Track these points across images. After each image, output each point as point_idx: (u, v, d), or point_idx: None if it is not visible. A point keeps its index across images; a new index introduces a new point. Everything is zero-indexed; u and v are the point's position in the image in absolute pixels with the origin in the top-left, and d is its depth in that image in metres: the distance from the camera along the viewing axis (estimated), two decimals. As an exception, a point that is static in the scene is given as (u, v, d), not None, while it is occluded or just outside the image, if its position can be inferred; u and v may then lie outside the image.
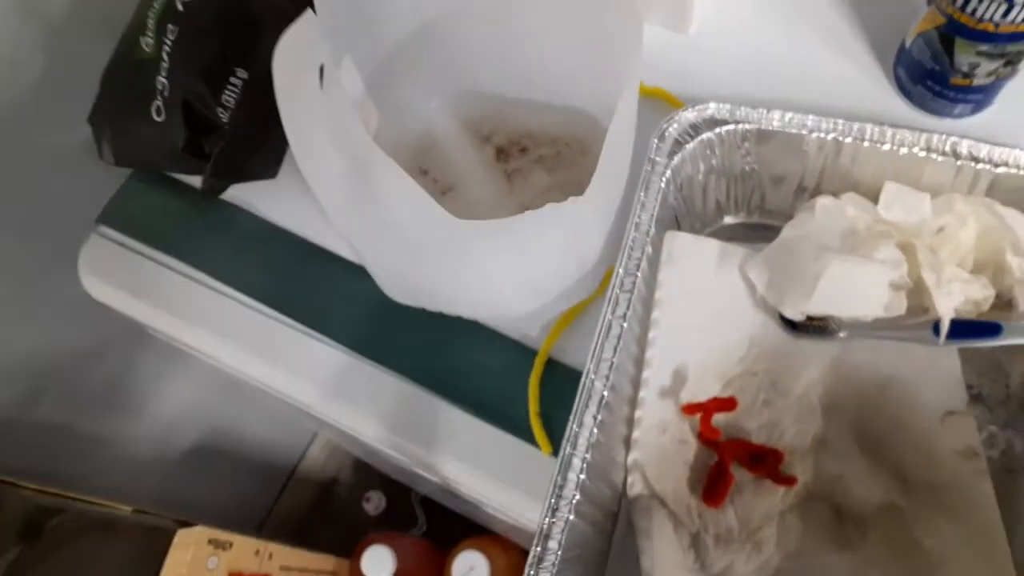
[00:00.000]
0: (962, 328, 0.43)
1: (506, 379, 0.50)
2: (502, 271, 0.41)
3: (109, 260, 0.56)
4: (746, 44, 0.57)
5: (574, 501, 0.40)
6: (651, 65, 0.54)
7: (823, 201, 0.47)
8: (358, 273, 0.50)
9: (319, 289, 0.53)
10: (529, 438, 0.48)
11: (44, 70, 0.58)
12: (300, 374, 0.52)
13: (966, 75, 0.49)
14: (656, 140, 0.47)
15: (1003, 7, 0.44)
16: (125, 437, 0.80)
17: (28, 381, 0.68)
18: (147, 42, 0.49)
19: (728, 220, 0.52)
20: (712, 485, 0.45)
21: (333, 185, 0.40)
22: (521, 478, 0.48)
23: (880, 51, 0.56)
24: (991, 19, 0.45)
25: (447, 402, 0.50)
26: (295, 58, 0.36)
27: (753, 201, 0.51)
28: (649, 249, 0.45)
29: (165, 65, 0.48)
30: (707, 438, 0.45)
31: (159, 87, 0.48)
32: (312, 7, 0.39)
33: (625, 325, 0.43)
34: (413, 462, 0.52)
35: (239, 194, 0.56)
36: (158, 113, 0.49)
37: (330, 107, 0.38)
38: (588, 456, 0.40)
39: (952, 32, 0.47)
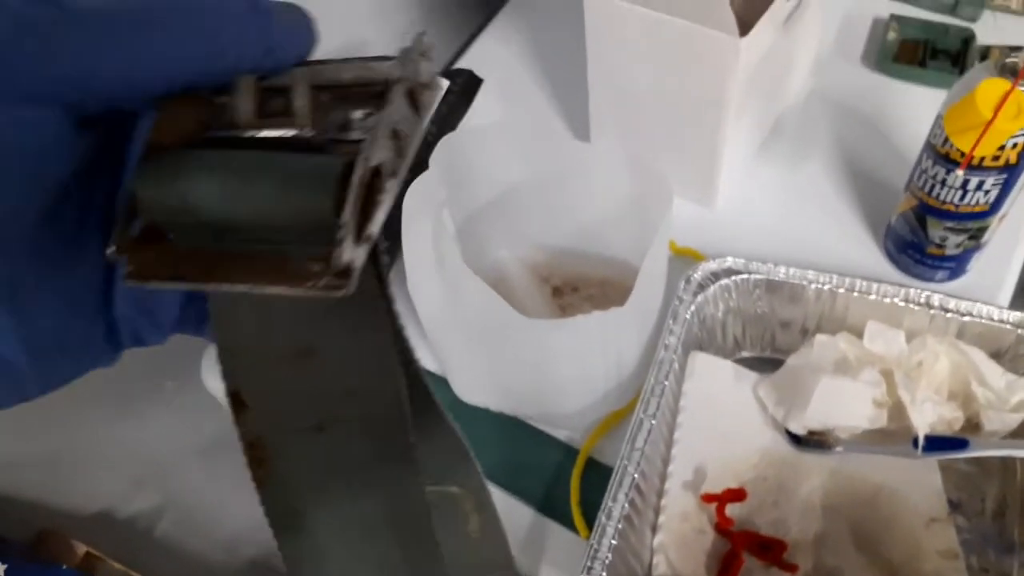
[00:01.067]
0: (937, 442, 0.52)
1: (554, 473, 0.59)
2: (553, 365, 0.52)
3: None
4: (761, 220, 0.70)
5: (605, 564, 0.48)
6: (683, 232, 0.68)
7: (820, 338, 0.57)
8: (440, 381, 0.61)
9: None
10: (570, 524, 0.57)
11: None
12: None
13: (939, 246, 0.61)
14: (683, 283, 0.59)
15: (959, 192, 0.56)
16: (195, 536, 0.89)
17: (133, 470, 0.78)
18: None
19: (744, 354, 0.63)
20: (725, 569, 0.52)
21: (431, 300, 0.52)
22: (560, 558, 0.56)
23: (873, 228, 0.68)
24: (951, 201, 0.57)
25: (505, 493, 0.59)
26: (417, 202, 0.50)
27: (765, 339, 0.62)
28: (676, 366, 0.56)
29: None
30: (722, 527, 0.53)
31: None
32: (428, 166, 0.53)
33: (655, 423, 0.53)
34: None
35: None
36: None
37: (437, 240, 0.51)
38: (620, 525, 0.49)
39: (924, 212, 0.59)
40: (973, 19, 0.78)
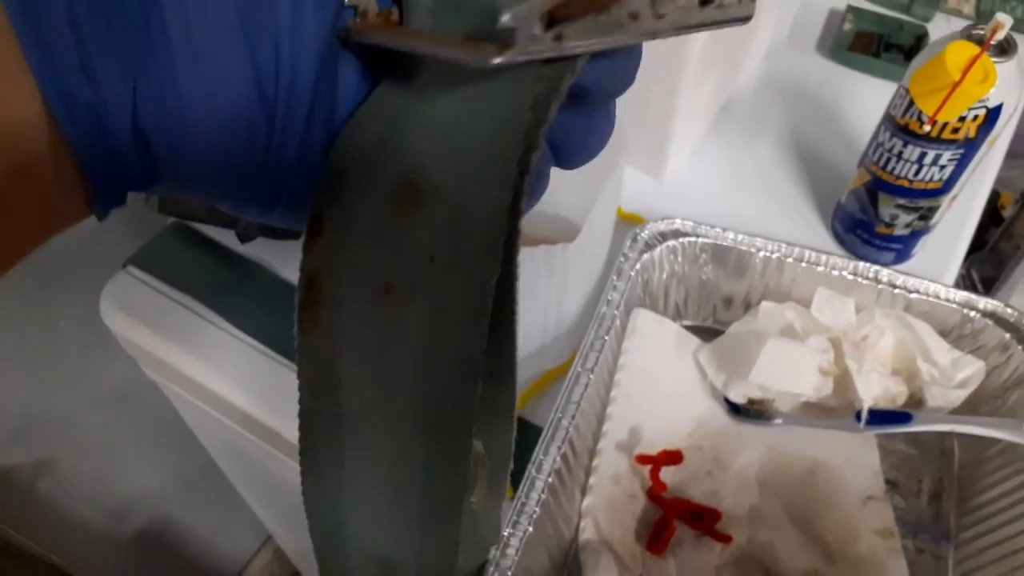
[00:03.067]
0: (879, 416, 0.50)
1: (479, 432, 0.55)
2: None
3: (133, 297, 0.62)
4: (709, 196, 0.68)
5: (527, 532, 0.44)
6: (631, 199, 0.65)
7: (766, 305, 0.55)
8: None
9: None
10: (494, 486, 0.53)
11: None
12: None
13: (888, 224, 0.59)
14: (630, 240, 0.56)
15: (914, 167, 0.55)
16: (80, 499, 0.81)
17: (13, 420, 0.71)
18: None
19: (686, 323, 0.60)
20: (656, 535, 0.49)
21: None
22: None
23: (820, 210, 0.67)
24: (906, 176, 0.56)
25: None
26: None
27: (707, 309, 0.59)
28: (618, 323, 0.53)
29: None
30: (655, 492, 0.50)
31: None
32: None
33: (592, 377, 0.49)
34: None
35: (260, 253, 0.63)
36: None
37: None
38: (550, 479, 0.45)
39: (876, 187, 0.58)
40: (926, 19, 0.79)
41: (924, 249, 0.62)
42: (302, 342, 0.23)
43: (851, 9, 0.78)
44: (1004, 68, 0.50)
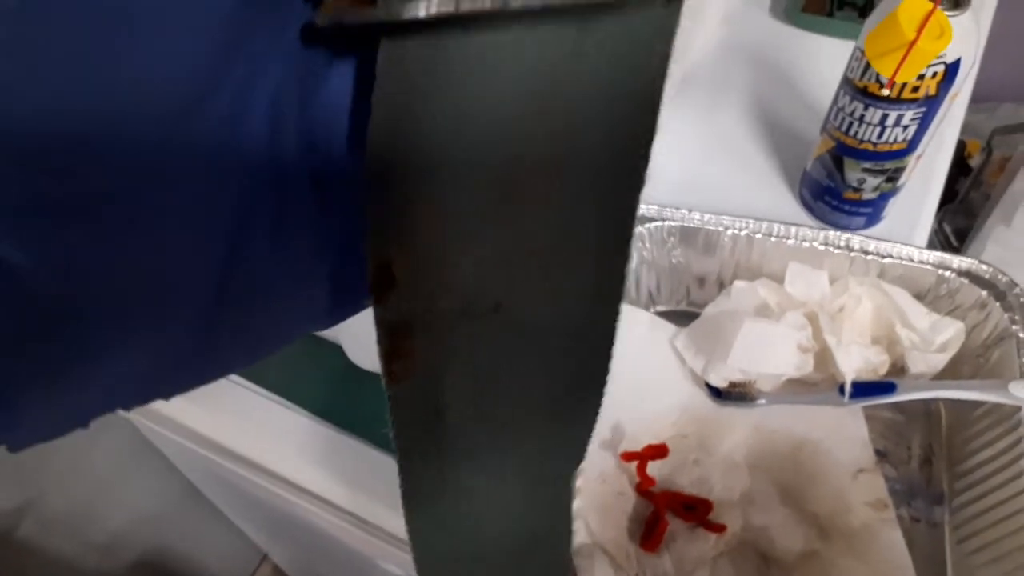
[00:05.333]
0: (863, 388, 0.49)
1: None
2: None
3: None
4: (673, 171, 0.67)
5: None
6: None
7: (739, 284, 0.54)
8: (326, 344, 0.55)
9: (289, 357, 0.58)
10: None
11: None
12: (270, 439, 0.56)
13: (856, 189, 0.58)
14: (596, 230, 0.55)
15: (877, 130, 0.54)
16: (66, 537, 0.80)
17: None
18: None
19: (660, 308, 0.59)
20: (649, 532, 0.48)
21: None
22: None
23: (788, 177, 0.66)
24: (869, 139, 0.54)
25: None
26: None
27: (680, 292, 0.58)
28: (590, 318, 0.52)
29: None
30: (643, 487, 0.49)
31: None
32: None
33: (568, 377, 0.48)
34: (377, 536, 0.55)
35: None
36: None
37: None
38: (534, 488, 0.44)
39: (841, 153, 0.57)
40: (878, -29, 0.77)
41: (894, 210, 0.62)
42: (395, 392, 0.21)
43: (801, -32, 0.77)
44: (959, 21, 0.48)
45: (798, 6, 0.74)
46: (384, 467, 0.53)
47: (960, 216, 0.91)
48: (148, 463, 0.80)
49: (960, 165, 0.96)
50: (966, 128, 1.02)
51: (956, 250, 0.93)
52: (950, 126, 0.68)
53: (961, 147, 0.97)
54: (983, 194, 0.89)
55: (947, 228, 0.92)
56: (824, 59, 0.71)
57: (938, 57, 0.48)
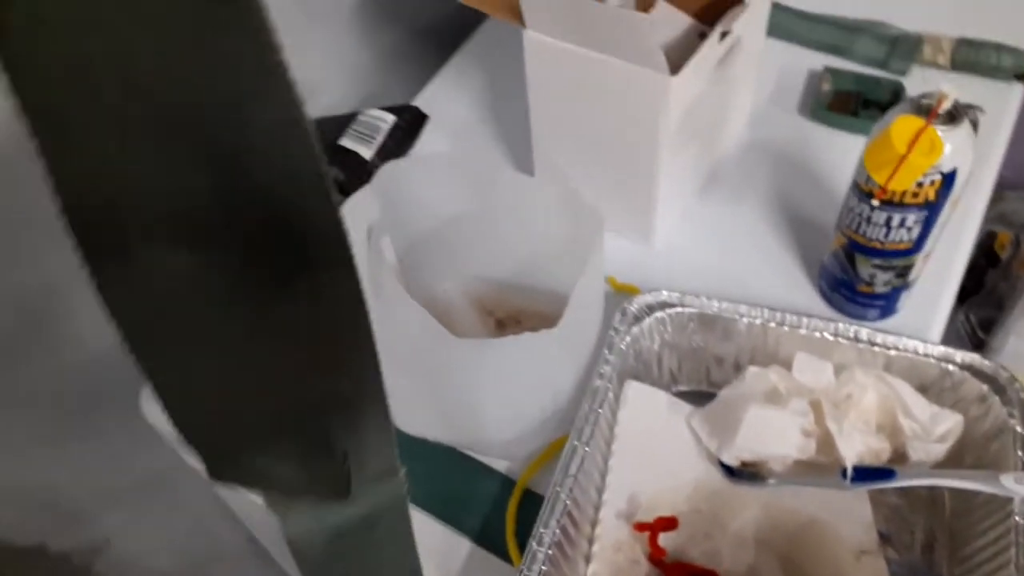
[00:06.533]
0: (864, 473, 0.53)
1: (492, 505, 0.58)
2: (488, 388, 0.52)
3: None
4: (700, 260, 0.71)
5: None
6: (624, 269, 0.69)
7: (752, 369, 0.58)
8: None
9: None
10: (507, 557, 0.56)
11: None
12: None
13: (868, 283, 0.62)
14: (619, 314, 0.60)
15: (883, 230, 0.58)
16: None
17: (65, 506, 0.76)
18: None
19: (681, 388, 0.63)
20: (658, 599, 0.52)
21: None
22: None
23: (808, 269, 0.70)
24: (877, 238, 0.59)
25: (443, 525, 0.58)
26: (353, 219, 0.50)
27: (700, 373, 0.63)
28: (611, 395, 0.56)
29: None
30: (655, 557, 0.53)
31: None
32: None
33: (588, 450, 0.53)
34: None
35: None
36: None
37: (371, 260, 0.51)
38: (550, 551, 0.49)
39: (853, 249, 0.61)
40: (903, 72, 0.82)
41: (910, 303, 0.65)
42: None
43: (828, 70, 0.82)
44: (954, 135, 0.53)
45: (824, 104, 0.79)
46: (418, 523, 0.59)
47: (987, 307, 0.93)
48: (217, 512, 0.86)
49: (989, 256, 0.98)
50: (1000, 219, 1.04)
51: (981, 341, 0.94)
52: (967, 225, 0.71)
53: (991, 238, 0.99)
54: (1011, 285, 0.91)
55: (973, 319, 0.94)
56: (848, 156, 0.75)
57: (933, 167, 0.52)
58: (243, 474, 0.29)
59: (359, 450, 0.30)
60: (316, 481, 0.30)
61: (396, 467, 0.32)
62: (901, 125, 0.51)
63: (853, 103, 0.79)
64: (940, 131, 0.52)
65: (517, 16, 0.61)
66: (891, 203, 0.55)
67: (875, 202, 0.54)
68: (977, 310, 0.94)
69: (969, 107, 0.75)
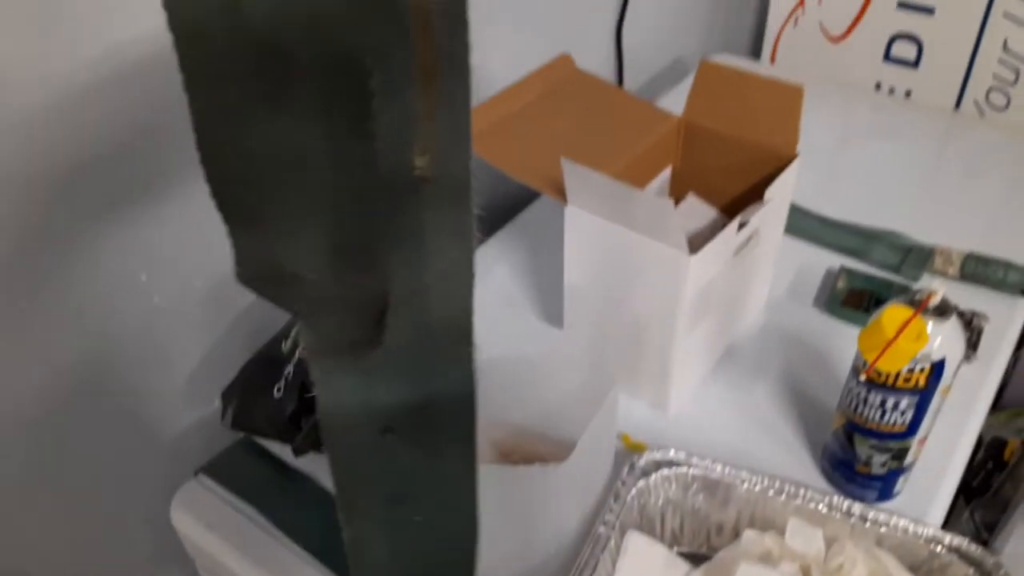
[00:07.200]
0: (851, 643, 0.54)
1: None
2: (493, 516, 0.55)
3: (201, 504, 0.72)
4: (711, 431, 0.75)
5: None
6: (639, 429, 0.73)
7: (749, 533, 0.61)
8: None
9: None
10: None
11: (199, 364, 0.80)
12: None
13: (866, 464, 0.65)
14: (628, 468, 0.64)
15: (879, 412, 0.62)
16: None
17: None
18: (286, 345, 0.71)
19: (682, 549, 0.66)
20: None
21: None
22: None
23: (812, 450, 0.73)
24: (873, 420, 0.63)
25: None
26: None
27: (701, 536, 0.65)
28: (612, 544, 0.59)
29: (295, 361, 0.69)
30: None
31: (285, 374, 0.69)
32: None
33: (584, 590, 0.55)
34: None
35: (310, 466, 0.72)
36: (278, 391, 0.69)
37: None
38: None
39: (851, 429, 0.65)
40: (915, 279, 0.88)
41: (909, 489, 0.68)
42: None
43: (844, 270, 0.89)
44: (942, 327, 0.58)
45: (838, 300, 0.85)
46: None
47: (993, 510, 0.93)
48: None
49: (997, 461, 1.00)
50: (1003, 428, 1.07)
51: (984, 543, 0.94)
52: (971, 420, 0.75)
53: (1001, 445, 1.01)
54: (1014, 487, 0.92)
55: (978, 519, 0.94)
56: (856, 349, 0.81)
57: (922, 354, 0.57)
58: (271, 271, 0.28)
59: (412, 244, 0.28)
60: (348, 300, 0.28)
61: (469, 313, 0.29)
62: (892, 313, 0.57)
63: (866, 301, 0.85)
64: (929, 323, 0.58)
65: (561, 194, 0.70)
66: (885, 385, 0.60)
67: (862, 378, 0.59)
68: (983, 512, 0.95)
69: (975, 314, 0.81)
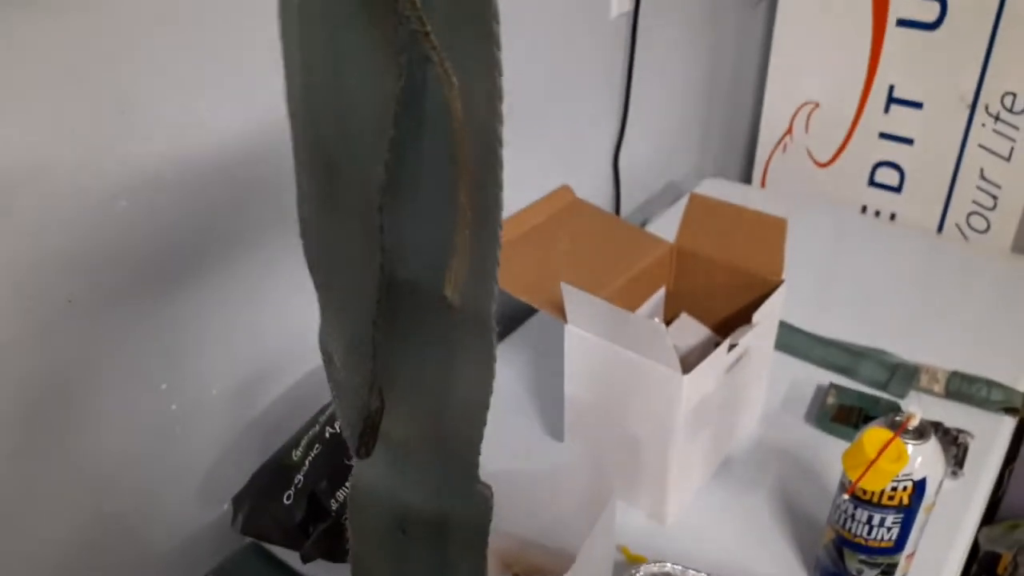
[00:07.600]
0: None
1: None
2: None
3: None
4: (707, 541, 0.78)
5: None
6: (638, 541, 0.76)
7: (744, 646, 0.63)
8: None
9: None
10: None
11: (211, 469, 0.83)
12: None
13: (857, 578, 0.68)
14: (626, 578, 0.66)
15: (866, 527, 0.65)
16: None
17: None
18: (296, 453, 0.74)
19: (679, 660, 0.67)
20: None
21: None
22: None
23: (804, 559, 0.75)
24: (861, 535, 0.65)
25: None
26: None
27: (698, 648, 0.67)
28: (609, 654, 0.61)
29: (305, 469, 0.72)
30: None
31: (296, 482, 0.72)
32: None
33: None
34: None
35: (318, 573, 0.74)
36: (288, 499, 0.71)
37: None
38: None
39: (841, 543, 0.67)
40: (901, 396, 0.92)
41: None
42: None
43: (834, 386, 0.92)
44: (922, 448, 0.61)
45: (828, 416, 0.89)
46: None
47: (987, 625, 0.94)
48: None
49: (991, 573, 1.00)
50: (999, 541, 1.08)
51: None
52: (959, 537, 0.77)
53: (995, 559, 1.02)
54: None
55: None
56: (848, 463, 0.84)
57: (904, 474, 0.61)
58: (322, 346, 0.34)
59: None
60: (357, 391, 0.33)
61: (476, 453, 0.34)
62: (873, 434, 0.61)
63: (855, 417, 0.89)
64: (909, 445, 0.61)
65: (561, 312, 0.75)
66: (870, 502, 0.63)
67: (845, 496, 0.62)
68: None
69: (960, 431, 0.85)
